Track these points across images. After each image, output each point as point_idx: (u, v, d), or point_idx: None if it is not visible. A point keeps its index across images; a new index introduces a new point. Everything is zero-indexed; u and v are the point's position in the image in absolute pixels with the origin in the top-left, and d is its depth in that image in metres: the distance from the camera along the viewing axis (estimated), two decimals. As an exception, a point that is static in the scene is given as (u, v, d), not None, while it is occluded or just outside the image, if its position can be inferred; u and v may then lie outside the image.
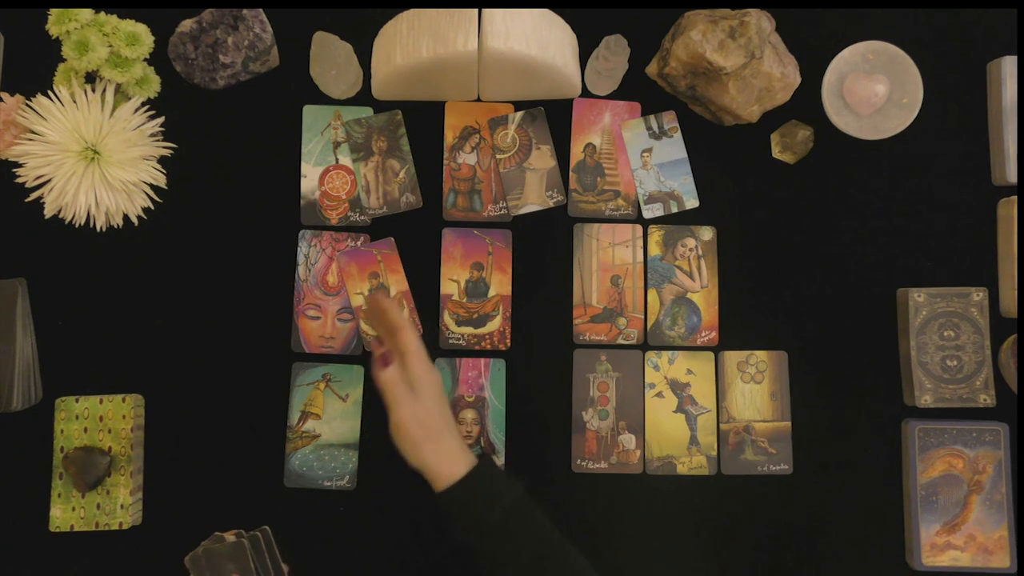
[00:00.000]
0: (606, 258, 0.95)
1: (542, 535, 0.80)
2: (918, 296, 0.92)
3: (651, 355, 0.94)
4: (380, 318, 0.84)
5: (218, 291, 0.93)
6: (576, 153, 0.96)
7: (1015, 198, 0.94)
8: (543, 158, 0.96)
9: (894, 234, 0.96)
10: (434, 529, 0.91)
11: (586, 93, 0.97)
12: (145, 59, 0.90)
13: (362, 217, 0.95)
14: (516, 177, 0.96)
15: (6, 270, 0.92)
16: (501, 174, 0.96)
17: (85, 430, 0.89)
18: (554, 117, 0.96)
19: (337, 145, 0.95)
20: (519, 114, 0.96)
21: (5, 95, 0.88)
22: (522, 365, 0.94)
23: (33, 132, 0.86)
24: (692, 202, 0.96)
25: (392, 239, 0.94)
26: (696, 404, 0.94)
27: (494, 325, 0.94)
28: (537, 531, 0.80)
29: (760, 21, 0.89)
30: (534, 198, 0.95)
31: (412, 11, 0.89)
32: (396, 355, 0.83)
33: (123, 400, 0.90)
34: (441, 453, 0.81)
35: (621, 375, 0.94)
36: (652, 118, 0.97)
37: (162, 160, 0.91)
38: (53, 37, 0.86)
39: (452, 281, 0.94)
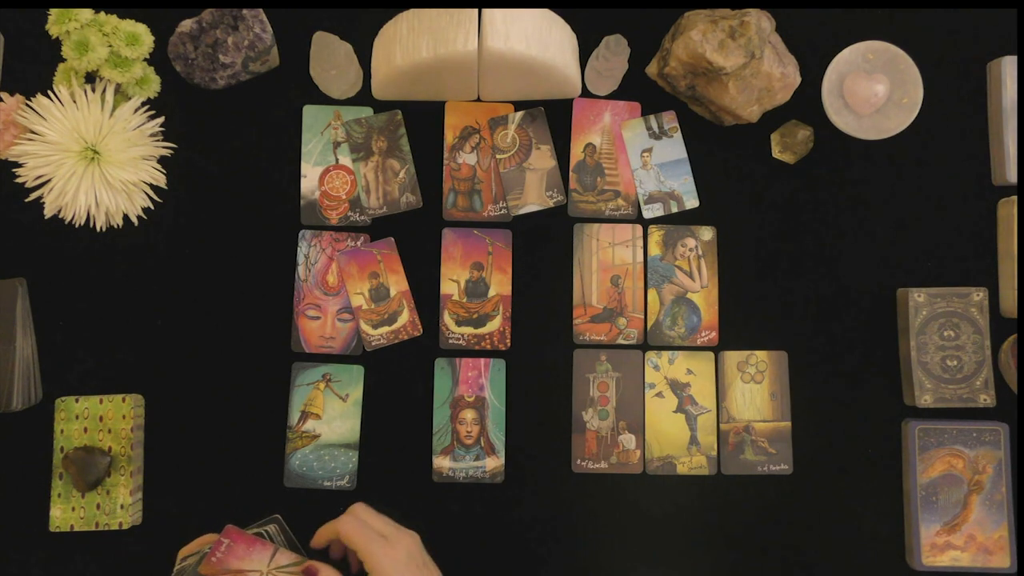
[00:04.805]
0: (606, 258, 0.95)
1: None
2: (918, 296, 0.92)
3: (651, 355, 0.94)
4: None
5: (218, 291, 0.93)
6: (576, 153, 0.96)
7: (1015, 198, 0.94)
8: (543, 158, 0.96)
9: (894, 234, 0.96)
10: (433, 529, 0.92)
11: (586, 93, 0.97)
12: (145, 59, 0.90)
13: (362, 217, 0.95)
14: (516, 177, 0.96)
15: (6, 270, 0.92)
16: (501, 174, 0.96)
17: (85, 430, 0.89)
18: (554, 117, 0.96)
19: (337, 145, 0.95)
20: (519, 114, 0.96)
21: (5, 95, 0.88)
22: (522, 365, 0.94)
23: (33, 132, 0.86)
24: (692, 202, 0.96)
25: (392, 239, 0.94)
26: (696, 404, 0.94)
27: (494, 325, 0.94)
28: None
29: (760, 21, 0.89)
30: (534, 198, 0.95)
31: (412, 11, 0.89)
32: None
33: (123, 400, 0.90)
34: None
35: (621, 375, 0.94)
36: (652, 118, 0.97)
37: (162, 160, 0.91)
38: (53, 37, 0.86)
39: (452, 281, 0.94)
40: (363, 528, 0.73)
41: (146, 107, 0.90)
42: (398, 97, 0.95)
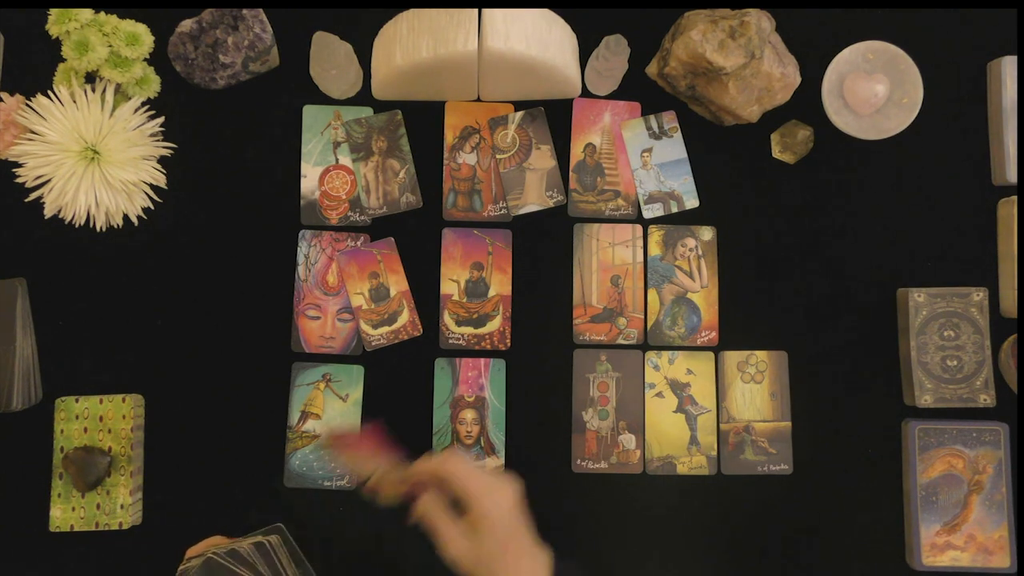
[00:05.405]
0: (606, 258, 0.95)
1: None
2: (918, 296, 0.92)
3: (651, 355, 0.94)
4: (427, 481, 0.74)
5: (218, 291, 0.93)
6: (576, 153, 0.96)
7: (1015, 198, 0.94)
8: (543, 158, 0.96)
9: (894, 234, 0.96)
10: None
11: (586, 93, 0.97)
12: (145, 59, 0.90)
13: (362, 217, 0.95)
14: (516, 177, 0.96)
15: (6, 270, 0.92)
16: (501, 174, 0.96)
17: (85, 430, 0.89)
18: (554, 117, 0.96)
19: (337, 145, 0.95)
20: (519, 114, 0.96)
21: (5, 95, 0.88)
22: (522, 365, 0.94)
23: (33, 132, 0.86)
24: (692, 202, 0.96)
25: (392, 239, 0.94)
26: (696, 404, 0.94)
27: (494, 325, 0.94)
28: None
29: (760, 21, 0.89)
30: (534, 198, 0.95)
31: (412, 11, 0.89)
32: (438, 489, 0.73)
33: (123, 400, 0.90)
34: None
35: (621, 375, 0.94)
36: (652, 118, 0.97)
37: (162, 160, 0.91)
38: (53, 37, 0.86)
39: (452, 281, 0.94)
40: (472, 467, 0.72)
41: (146, 107, 0.90)
42: (398, 97, 0.95)
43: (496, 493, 0.71)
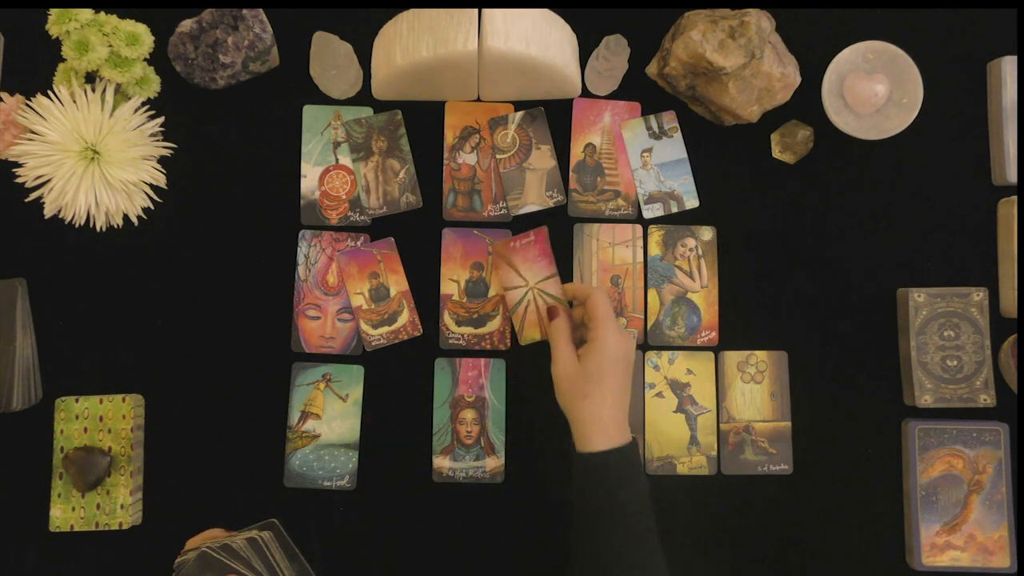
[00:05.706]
0: (606, 258, 0.95)
1: (646, 536, 0.77)
2: (918, 296, 0.92)
3: (651, 355, 0.94)
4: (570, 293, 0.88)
5: (218, 291, 0.93)
6: (576, 153, 0.96)
7: (1015, 198, 0.94)
8: (543, 158, 0.96)
9: (894, 234, 0.96)
10: (433, 529, 0.92)
11: (586, 93, 0.97)
12: (145, 59, 0.90)
13: (362, 217, 0.95)
14: (516, 177, 0.96)
15: (6, 270, 0.92)
16: (501, 174, 0.96)
17: (85, 430, 0.89)
18: (554, 117, 0.96)
19: (337, 145, 0.95)
20: (519, 114, 0.96)
21: (5, 95, 0.88)
22: (522, 365, 0.94)
23: (33, 132, 0.86)
24: (692, 202, 0.96)
25: (392, 239, 0.94)
26: (696, 404, 0.94)
27: (494, 325, 0.94)
28: (643, 530, 0.77)
29: (760, 21, 0.89)
30: (534, 198, 0.95)
31: (412, 11, 0.89)
32: (578, 315, 0.86)
33: (123, 400, 0.90)
34: (588, 419, 0.79)
35: (621, 375, 0.94)
36: (652, 118, 0.97)
37: (162, 160, 0.91)
38: (53, 37, 0.86)
39: (452, 281, 0.94)
40: (611, 308, 0.83)
41: (146, 107, 0.90)
42: (398, 97, 0.95)
43: (619, 333, 0.82)
